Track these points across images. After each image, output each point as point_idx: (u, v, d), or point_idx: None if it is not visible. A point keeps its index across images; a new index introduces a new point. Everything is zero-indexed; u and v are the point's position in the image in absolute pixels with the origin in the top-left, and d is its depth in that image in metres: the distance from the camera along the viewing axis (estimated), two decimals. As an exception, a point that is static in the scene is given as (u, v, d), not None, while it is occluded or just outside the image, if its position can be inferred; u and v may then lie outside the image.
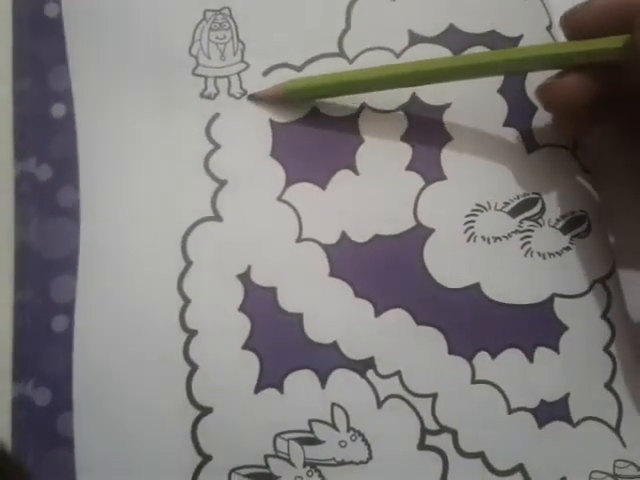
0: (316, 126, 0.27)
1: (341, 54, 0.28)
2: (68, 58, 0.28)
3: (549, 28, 0.29)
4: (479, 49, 0.28)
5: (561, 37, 0.27)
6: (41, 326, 0.25)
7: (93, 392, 0.25)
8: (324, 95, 0.27)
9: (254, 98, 0.28)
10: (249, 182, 0.27)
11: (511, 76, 0.28)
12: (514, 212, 0.27)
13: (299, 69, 0.28)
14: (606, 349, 0.26)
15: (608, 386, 0.26)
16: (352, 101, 0.28)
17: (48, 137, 0.27)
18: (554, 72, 0.26)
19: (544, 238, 0.27)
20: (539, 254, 0.26)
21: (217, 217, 0.26)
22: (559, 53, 0.25)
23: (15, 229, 0.26)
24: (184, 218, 0.26)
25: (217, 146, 0.27)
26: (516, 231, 0.27)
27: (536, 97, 0.27)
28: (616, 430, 0.25)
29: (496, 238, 0.27)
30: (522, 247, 0.27)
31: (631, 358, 0.26)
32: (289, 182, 0.27)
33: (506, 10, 0.29)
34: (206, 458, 0.24)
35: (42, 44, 0.28)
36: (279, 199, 0.27)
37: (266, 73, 0.28)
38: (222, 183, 0.27)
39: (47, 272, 0.26)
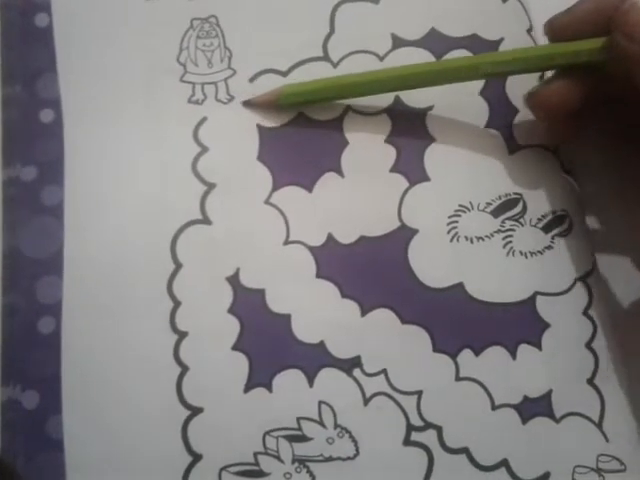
0: (302, 130, 0.28)
1: (326, 58, 0.29)
2: (57, 66, 0.28)
3: (529, 31, 0.29)
4: (460, 52, 0.29)
5: (541, 40, 0.28)
6: (28, 328, 0.26)
7: (83, 394, 0.25)
8: (316, 100, 0.28)
9: (249, 105, 0.28)
10: (237, 185, 0.27)
11: (493, 79, 0.28)
12: (496, 212, 0.27)
13: (285, 74, 0.28)
14: (588, 345, 0.26)
15: (590, 382, 0.26)
16: (337, 104, 0.28)
17: (35, 140, 0.28)
18: (536, 76, 0.27)
19: (526, 237, 0.27)
20: (521, 253, 0.27)
21: (206, 220, 0.27)
22: (541, 54, 0.25)
23: (2, 234, 0.27)
24: (173, 220, 0.27)
25: (205, 149, 0.28)
26: (498, 231, 0.27)
27: (525, 104, 0.27)
28: (599, 425, 0.26)
29: (479, 238, 0.27)
30: (504, 247, 0.27)
31: (613, 354, 0.26)
32: (276, 185, 0.27)
33: (487, 14, 0.29)
34: (196, 457, 0.25)
35: (32, 52, 0.28)
36: (266, 202, 0.27)
37: (252, 79, 0.28)
38: (211, 186, 0.27)
39: (32, 272, 0.26)
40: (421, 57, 0.28)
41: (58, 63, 0.28)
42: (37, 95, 0.28)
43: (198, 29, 0.29)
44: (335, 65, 0.29)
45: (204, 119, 0.28)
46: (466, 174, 0.28)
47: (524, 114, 0.28)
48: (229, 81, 0.28)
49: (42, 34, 0.29)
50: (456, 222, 0.27)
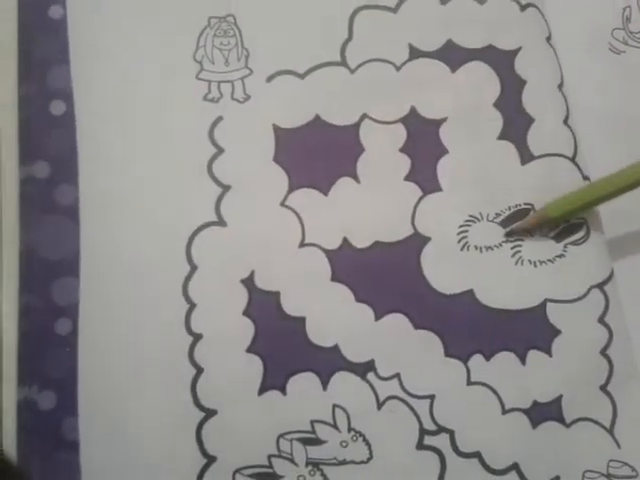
0: (318, 133, 0.28)
1: (343, 63, 0.29)
2: (70, 58, 0.28)
3: (548, 39, 0.29)
4: (476, 64, 0.29)
5: (560, 48, 0.29)
6: (44, 329, 0.26)
7: (99, 395, 0.25)
8: (579, 210, 0.27)
9: (513, 233, 0.28)
10: (253, 187, 0.27)
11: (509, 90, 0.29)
12: (505, 222, 0.28)
13: (302, 76, 0.29)
14: (603, 352, 0.27)
15: (603, 388, 0.26)
16: (353, 111, 0.28)
17: (46, 134, 0.27)
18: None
19: (535, 247, 0.27)
20: (530, 262, 0.27)
21: (221, 222, 0.27)
22: None
23: (19, 232, 0.26)
24: (189, 222, 0.27)
25: (221, 150, 0.28)
26: (507, 240, 0.28)
27: None
28: (610, 431, 0.26)
29: (487, 247, 0.28)
30: (512, 256, 0.27)
31: (628, 361, 0.27)
32: (292, 188, 0.28)
33: (504, 22, 0.29)
34: (211, 459, 0.25)
35: (44, 44, 0.28)
36: (282, 204, 0.27)
37: (270, 79, 0.29)
38: (226, 188, 0.27)
39: (47, 273, 0.26)
40: (437, 69, 0.29)
41: (71, 54, 0.28)
42: (47, 86, 0.28)
43: (215, 27, 0.29)
44: (352, 71, 0.29)
45: (219, 118, 0.28)
46: (477, 186, 0.28)
47: (540, 123, 0.28)
48: (246, 80, 0.28)
49: (56, 26, 0.28)
50: (466, 232, 0.28)
